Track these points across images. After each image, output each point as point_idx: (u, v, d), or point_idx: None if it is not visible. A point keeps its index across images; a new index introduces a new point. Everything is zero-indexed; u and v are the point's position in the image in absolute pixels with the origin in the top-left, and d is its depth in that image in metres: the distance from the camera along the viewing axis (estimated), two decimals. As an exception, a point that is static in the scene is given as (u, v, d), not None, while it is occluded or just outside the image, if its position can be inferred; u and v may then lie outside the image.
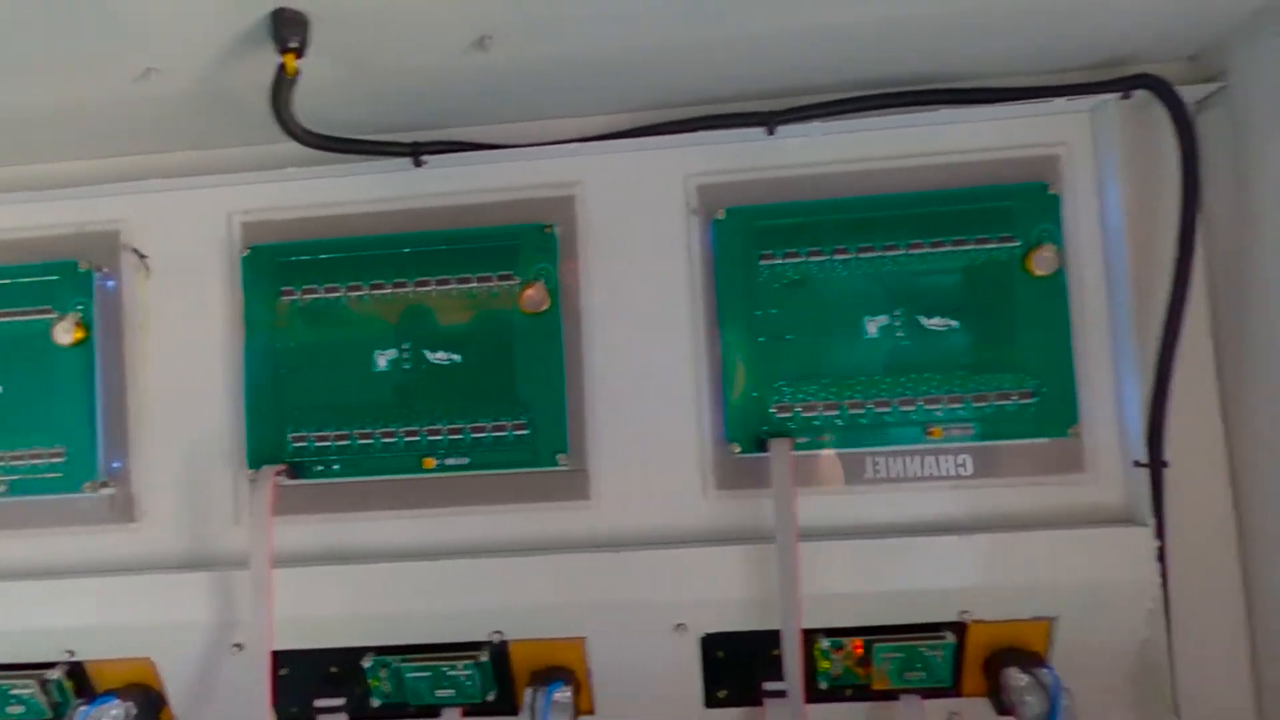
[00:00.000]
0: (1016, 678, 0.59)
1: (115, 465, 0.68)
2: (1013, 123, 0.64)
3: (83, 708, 0.63)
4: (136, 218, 0.70)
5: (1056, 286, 0.62)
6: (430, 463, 0.65)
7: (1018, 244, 0.62)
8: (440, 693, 0.63)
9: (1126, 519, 0.62)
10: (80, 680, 0.68)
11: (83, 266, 0.68)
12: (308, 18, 0.49)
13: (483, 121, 0.70)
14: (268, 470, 0.63)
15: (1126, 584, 0.60)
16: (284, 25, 0.48)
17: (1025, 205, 0.62)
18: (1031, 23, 0.58)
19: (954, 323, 0.63)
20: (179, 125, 0.66)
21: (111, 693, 0.65)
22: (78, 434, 0.67)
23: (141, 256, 0.70)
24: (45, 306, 0.68)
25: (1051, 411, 0.62)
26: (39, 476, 0.67)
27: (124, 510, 0.69)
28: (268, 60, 0.51)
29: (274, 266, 0.67)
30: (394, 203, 0.68)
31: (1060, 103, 0.62)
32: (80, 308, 0.68)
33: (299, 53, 0.49)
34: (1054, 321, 0.62)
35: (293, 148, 0.61)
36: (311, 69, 0.53)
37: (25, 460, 0.68)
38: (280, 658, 0.65)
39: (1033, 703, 0.57)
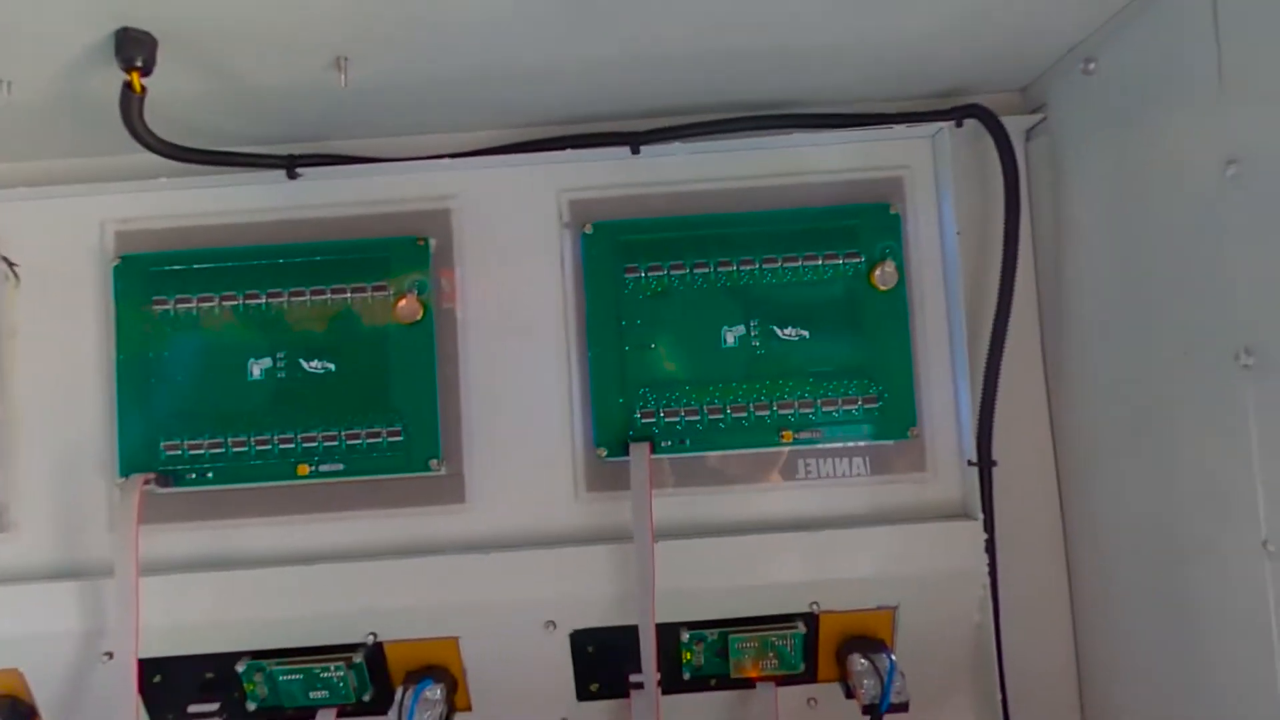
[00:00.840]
0: (858, 663, 0.64)
1: (-19, 475, 0.68)
2: (859, 146, 0.68)
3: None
4: (6, 225, 0.69)
5: (898, 299, 0.67)
6: (305, 469, 0.66)
7: (862, 260, 0.67)
8: (314, 694, 0.65)
9: (962, 514, 0.68)
10: (-55, 692, 0.67)
11: (-64, 275, 0.67)
12: (155, 37, 0.50)
13: (359, 135, 0.71)
14: (136, 479, 0.64)
15: (960, 573, 0.66)
16: (129, 45, 0.49)
17: (870, 224, 0.67)
18: (881, 56, 0.62)
19: (805, 333, 0.67)
20: (46, 134, 0.66)
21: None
22: (-61, 445, 0.67)
23: (10, 265, 0.69)
24: (-101, 316, 0.67)
25: (894, 415, 0.67)
26: (-102, 488, 0.67)
27: (-6, 521, 0.68)
28: (118, 76, 0.52)
29: (146, 276, 0.67)
30: (269, 214, 0.69)
31: (902, 129, 0.67)
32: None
33: (145, 71, 0.50)
34: (896, 332, 0.67)
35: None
36: (170, 82, 0.54)
37: (-117, 472, 0.67)
38: (153, 665, 0.65)
39: (870, 685, 0.62)
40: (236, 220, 0.69)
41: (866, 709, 0.62)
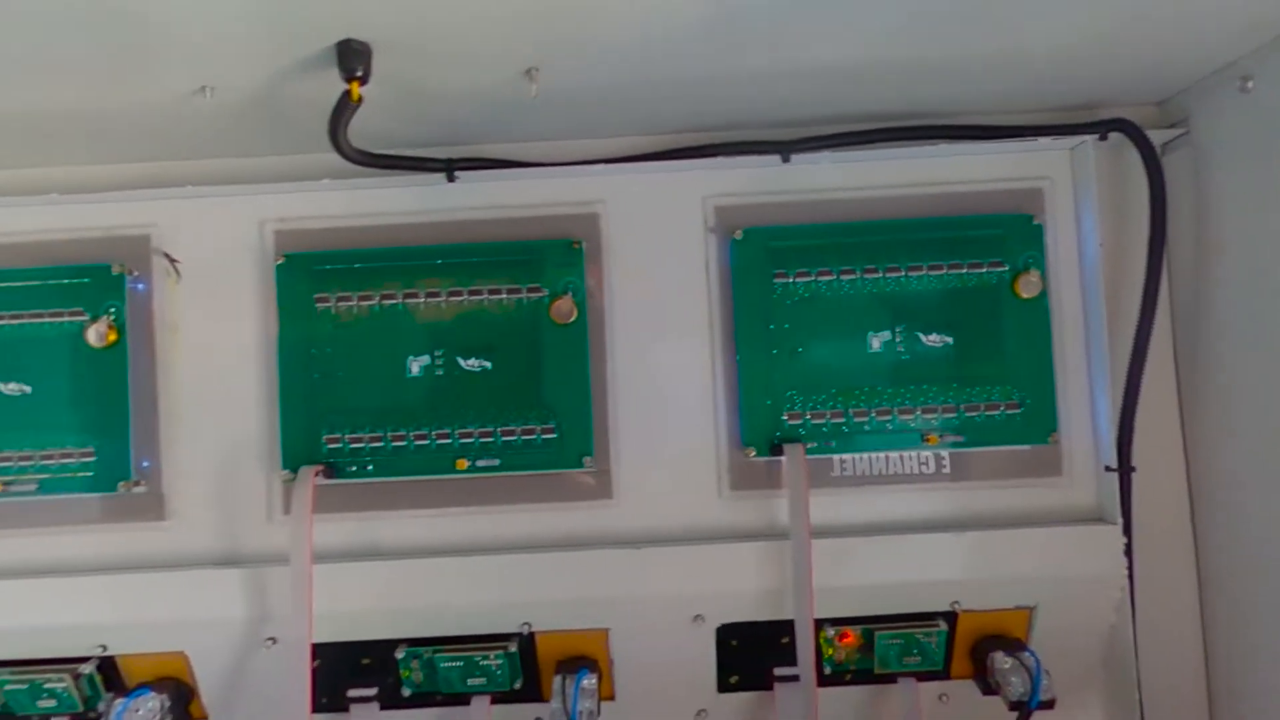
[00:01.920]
0: (1002, 661, 0.65)
1: (145, 465, 0.70)
2: (1003, 158, 0.70)
3: (118, 700, 0.65)
4: (168, 222, 0.72)
5: (1040, 308, 0.69)
6: (463, 464, 0.68)
7: (1006, 269, 0.69)
8: (471, 681, 0.67)
9: (1097, 518, 0.69)
10: (110, 674, 0.70)
11: (115, 270, 0.70)
12: (371, 48, 0.52)
13: (512, 139, 0.73)
14: (308, 470, 0.66)
15: (1097, 577, 0.67)
16: (350, 56, 0.51)
17: (1014, 233, 0.69)
18: (1022, 69, 0.64)
19: (949, 339, 0.69)
20: (217, 135, 0.68)
21: (146, 685, 0.67)
22: (110, 434, 0.69)
23: (172, 261, 0.71)
24: (77, 309, 0.70)
25: (1035, 420, 0.68)
26: (70, 475, 0.69)
27: (154, 509, 0.70)
28: (326, 83, 0.54)
29: (310, 274, 0.70)
30: (427, 215, 0.71)
31: (1045, 141, 0.69)
32: (113, 311, 0.70)
33: (364, 80, 0.52)
34: (1037, 339, 0.69)
35: (323, 159, 0.65)
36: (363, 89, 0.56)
37: (55, 460, 0.69)
38: (313, 650, 0.68)
39: (1017, 683, 0.64)
40: (394, 221, 0.71)
41: (1014, 705, 0.64)
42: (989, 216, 0.69)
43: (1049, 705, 0.64)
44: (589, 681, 0.65)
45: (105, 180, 0.73)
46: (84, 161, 0.73)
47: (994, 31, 0.56)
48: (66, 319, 0.70)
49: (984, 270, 0.69)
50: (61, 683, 0.67)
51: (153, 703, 0.66)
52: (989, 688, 0.67)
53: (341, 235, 0.71)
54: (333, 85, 0.54)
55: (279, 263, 0.70)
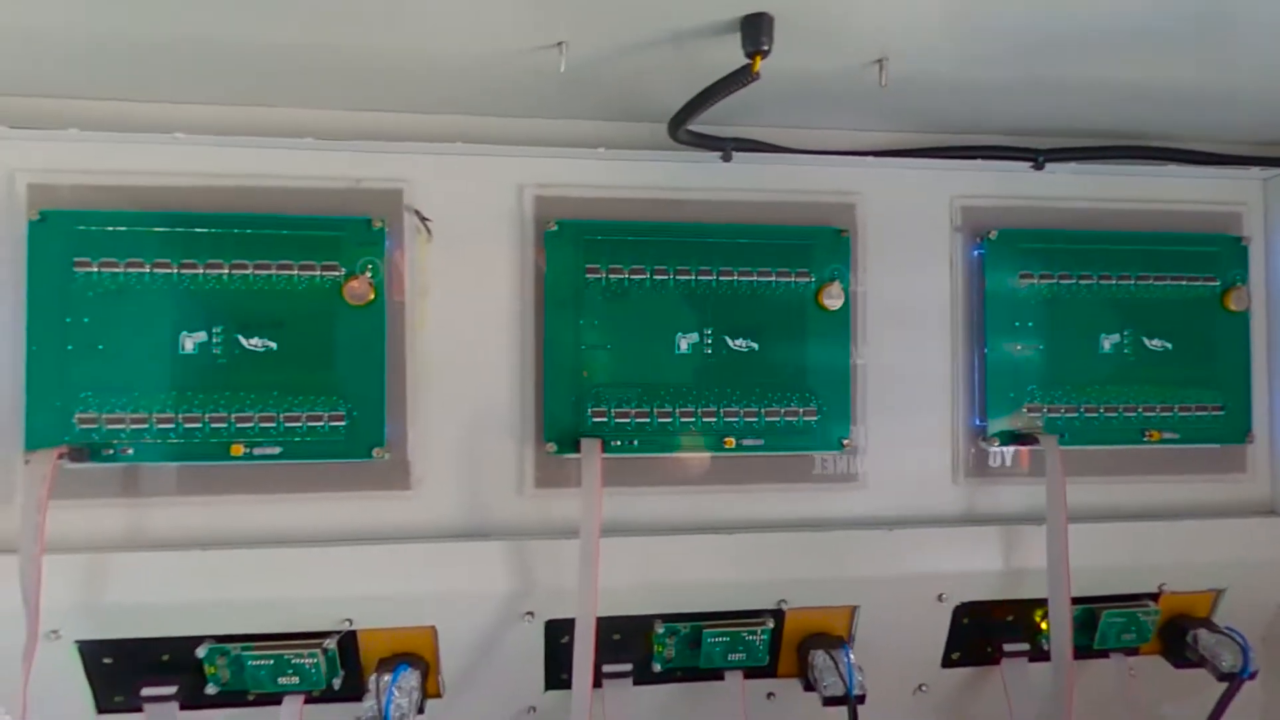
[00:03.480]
0: (1207, 637, 0.73)
1: (393, 431, 0.67)
2: (1208, 182, 0.76)
3: (385, 676, 0.62)
4: (420, 178, 0.68)
5: (1244, 321, 0.76)
6: (730, 442, 0.69)
7: (1217, 284, 0.76)
8: (732, 656, 0.68)
9: (1270, 510, 0.78)
10: (347, 649, 0.66)
11: (375, 224, 0.66)
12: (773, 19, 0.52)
13: (766, 124, 0.74)
14: (593, 442, 0.65)
15: (1273, 562, 0.76)
16: (761, 29, 0.50)
17: (1225, 251, 0.76)
18: (1228, 101, 0.69)
19: (1168, 345, 0.75)
20: (482, 91, 0.65)
21: (404, 661, 0.64)
22: (364, 398, 0.65)
23: (424, 220, 0.68)
24: (332, 262, 0.65)
25: (1232, 422, 0.76)
26: (318, 440, 0.65)
27: (400, 478, 0.67)
28: (688, 52, 0.55)
29: (579, 243, 0.68)
30: (694, 193, 0.71)
31: (1256, 170, 0.76)
32: (370, 267, 0.66)
33: (766, 54, 0.52)
34: (1239, 350, 0.76)
35: (585, 125, 0.69)
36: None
37: (302, 422, 0.65)
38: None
39: (1229, 658, 0.71)
40: (661, 196, 0.70)
41: (1224, 676, 0.71)
42: (1203, 235, 0.76)
43: (1251, 677, 0.71)
44: (845, 655, 0.68)
45: (353, 128, 0.68)
46: (333, 105, 0.68)
47: (1219, 69, 0.61)
48: (320, 273, 0.65)
49: (1199, 283, 0.75)
50: (310, 658, 0.63)
51: (413, 679, 0.63)
52: (1188, 662, 0.74)
53: (604, 206, 0.70)
54: (690, 54, 0.54)
55: (550, 229, 0.68)
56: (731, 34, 0.52)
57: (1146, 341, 0.75)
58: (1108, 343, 0.74)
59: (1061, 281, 0.74)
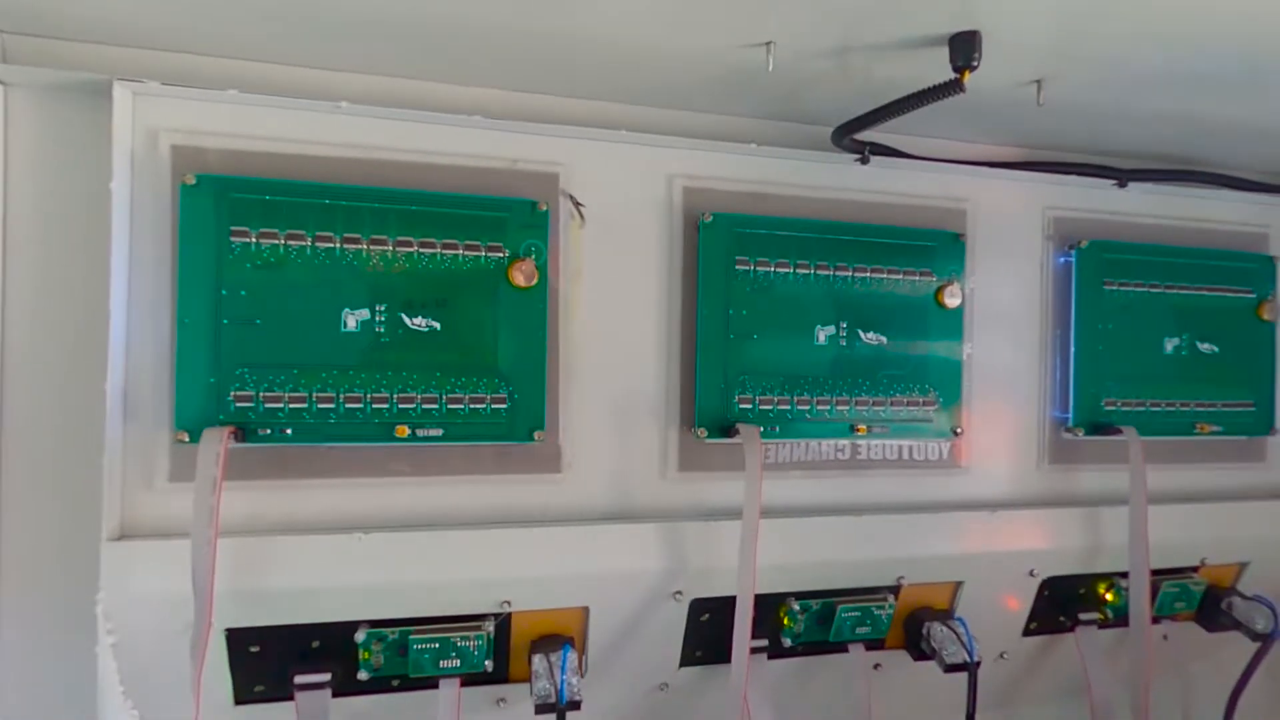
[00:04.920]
0: (1242, 604, 0.83)
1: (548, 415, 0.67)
2: (1244, 205, 0.87)
3: (554, 656, 0.63)
4: (575, 163, 0.68)
5: (1273, 329, 0.87)
6: (862, 429, 0.73)
7: (1252, 295, 0.86)
8: (859, 629, 0.73)
9: (1283, 494, 0.90)
10: (501, 631, 0.66)
11: (541, 206, 0.65)
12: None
13: (890, 129, 0.77)
14: (752, 429, 0.67)
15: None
16: (969, 46, 0.54)
17: (1259, 269, 0.86)
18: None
19: (1215, 348, 0.85)
20: (639, 81, 0.66)
21: (567, 643, 0.65)
22: (527, 381, 0.65)
23: (577, 204, 0.68)
24: (496, 243, 0.64)
25: (1261, 417, 0.87)
26: (481, 422, 0.64)
27: (551, 461, 0.67)
28: (870, 63, 0.59)
29: (731, 236, 0.70)
30: (831, 191, 0.74)
31: (1282, 198, 0.87)
32: (534, 249, 0.65)
33: (974, 69, 0.55)
34: (1266, 353, 0.87)
35: (734, 121, 0.72)
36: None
37: (464, 404, 0.64)
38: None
39: (1260, 620, 0.82)
40: (802, 194, 0.73)
41: (1257, 637, 0.82)
42: (1240, 253, 0.86)
43: (1280, 637, 0.83)
44: (963, 626, 0.74)
45: (510, 108, 0.68)
46: (491, 84, 0.67)
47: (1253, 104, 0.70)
48: (484, 254, 0.64)
49: (1238, 295, 0.86)
50: (475, 640, 0.63)
51: (574, 660, 0.64)
52: (1220, 627, 0.85)
53: (748, 200, 0.72)
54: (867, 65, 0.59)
55: (705, 220, 0.69)
56: (924, 48, 0.56)
57: (1199, 345, 0.85)
58: (1170, 345, 0.84)
59: (1135, 289, 0.82)
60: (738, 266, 0.70)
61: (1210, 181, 0.85)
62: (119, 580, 0.57)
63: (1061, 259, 0.82)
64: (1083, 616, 0.81)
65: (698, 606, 0.70)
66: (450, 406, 0.63)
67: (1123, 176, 0.81)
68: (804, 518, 0.72)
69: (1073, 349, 0.80)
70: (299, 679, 0.61)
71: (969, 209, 0.79)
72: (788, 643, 0.73)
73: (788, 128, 0.74)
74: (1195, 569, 0.85)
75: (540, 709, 0.62)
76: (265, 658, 0.62)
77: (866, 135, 0.74)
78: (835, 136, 0.68)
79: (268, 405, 0.60)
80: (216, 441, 0.56)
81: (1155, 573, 0.82)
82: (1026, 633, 0.83)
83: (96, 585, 0.56)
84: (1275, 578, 0.88)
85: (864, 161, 0.73)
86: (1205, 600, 0.86)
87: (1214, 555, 0.85)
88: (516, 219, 0.65)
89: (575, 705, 0.62)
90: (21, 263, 0.60)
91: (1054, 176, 0.81)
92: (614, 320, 0.69)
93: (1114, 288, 0.82)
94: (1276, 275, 0.88)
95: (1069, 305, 0.81)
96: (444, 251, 0.63)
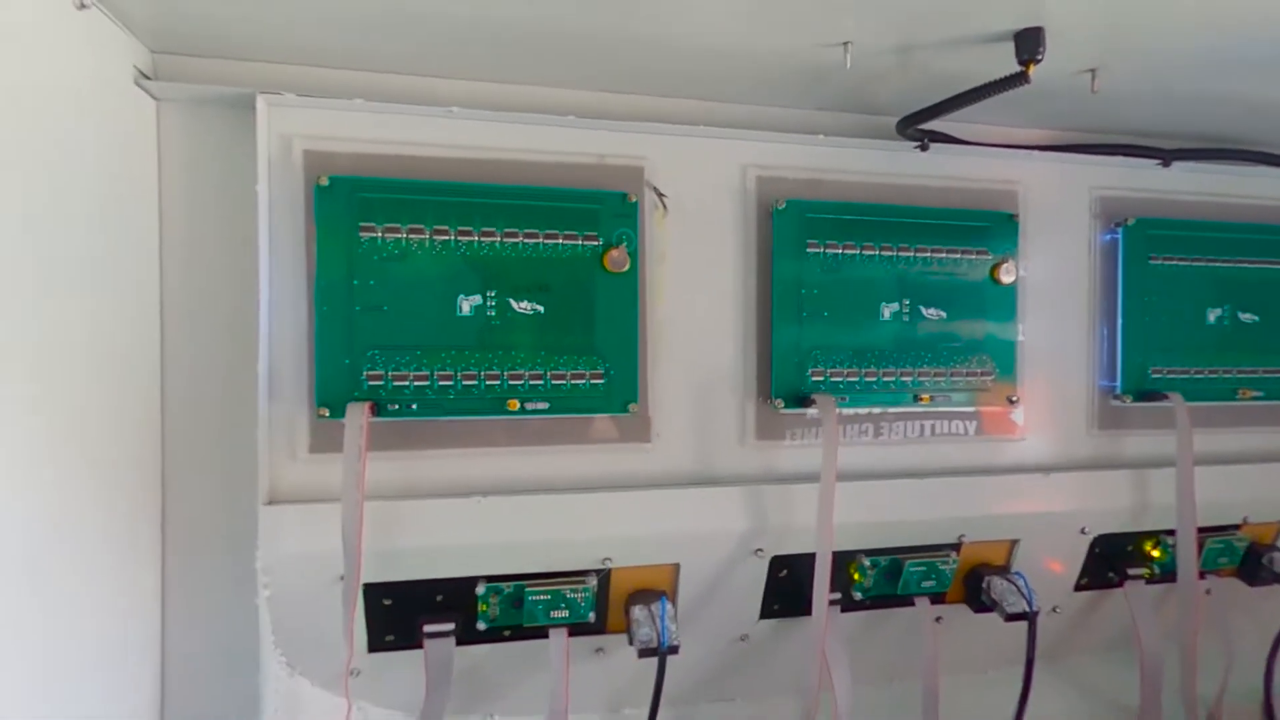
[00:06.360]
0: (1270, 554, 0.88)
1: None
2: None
3: (654, 606, 0.69)
4: (657, 156, 0.74)
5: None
6: (926, 398, 0.79)
7: (1292, 266, 0.91)
8: (924, 587, 0.79)
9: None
10: (601, 585, 0.72)
11: (631, 198, 0.71)
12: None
13: (953, 118, 0.82)
14: (829, 399, 0.73)
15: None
16: (1035, 41, 0.59)
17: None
18: None
19: (1256, 317, 0.89)
20: (713, 78, 0.72)
21: (663, 595, 0.71)
22: (621, 358, 0.71)
23: (660, 195, 0.74)
24: (592, 233, 0.70)
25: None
26: (581, 396, 0.70)
27: (642, 431, 0.74)
28: (929, 59, 0.64)
29: (802, 221, 0.76)
30: (893, 178, 0.79)
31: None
32: (625, 237, 0.71)
33: (1039, 62, 0.60)
34: None
35: (798, 114, 0.78)
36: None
37: (566, 379, 0.70)
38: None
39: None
40: (865, 180, 0.78)
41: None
42: (1278, 226, 0.91)
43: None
44: (1022, 579, 0.79)
45: (596, 107, 0.74)
46: (578, 86, 0.73)
47: None
48: (581, 242, 0.70)
49: (1275, 267, 0.90)
50: (582, 593, 0.69)
51: (672, 608, 0.71)
52: (1264, 580, 0.90)
53: (815, 187, 0.77)
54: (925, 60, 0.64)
55: (778, 208, 0.75)
56: (988, 44, 0.61)
57: (1240, 315, 0.89)
58: (1212, 315, 0.88)
59: (1179, 263, 0.87)
60: (808, 249, 0.76)
61: (1252, 159, 0.89)
62: (272, 540, 0.64)
63: (1108, 236, 0.87)
64: (1131, 572, 0.87)
65: (777, 563, 0.76)
66: (554, 383, 0.70)
67: (1167, 156, 0.85)
68: (873, 480, 0.78)
69: (1120, 320, 0.85)
70: (427, 628, 0.68)
71: (1020, 190, 0.84)
72: (858, 596, 0.79)
73: (852, 119, 0.80)
74: (1238, 527, 0.90)
75: (643, 653, 0.69)
76: (396, 610, 0.69)
77: (926, 124, 0.80)
78: (900, 126, 0.73)
79: (396, 383, 0.67)
80: (360, 415, 0.63)
81: (1200, 530, 0.88)
82: (1078, 588, 0.88)
83: (254, 546, 0.64)
84: (1312, 533, 0.94)
85: (923, 149, 0.78)
86: (1247, 556, 0.91)
87: (1255, 514, 0.90)
88: (609, 210, 0.71)
89: (674, 649, 0.69)
90: (176, 261, 0.67)
91: (1100, 158, 0.86)
92: (696, 301, 0.75)
93: (1159, 262, 0.86)
94: (1313, 245, 0.92)
95: (1115, 280, 0.86)
96: (545, 241, 0.70)
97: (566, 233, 0.70)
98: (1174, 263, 0.87)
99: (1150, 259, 0.86)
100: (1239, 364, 0.89)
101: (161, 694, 0.69)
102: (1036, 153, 0.84)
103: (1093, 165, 0.86)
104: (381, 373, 0.66)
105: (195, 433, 0.68)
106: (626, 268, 0.71)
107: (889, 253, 0.78)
